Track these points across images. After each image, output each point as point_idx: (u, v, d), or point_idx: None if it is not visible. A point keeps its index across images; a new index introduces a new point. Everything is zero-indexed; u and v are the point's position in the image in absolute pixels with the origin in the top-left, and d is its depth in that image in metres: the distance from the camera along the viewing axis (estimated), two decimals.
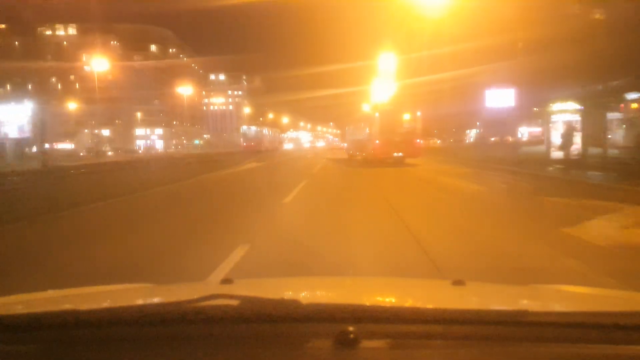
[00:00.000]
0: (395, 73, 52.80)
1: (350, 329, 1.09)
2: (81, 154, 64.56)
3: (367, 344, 1.09)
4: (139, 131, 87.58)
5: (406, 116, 25.14)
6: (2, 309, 1.39)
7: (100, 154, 61.53)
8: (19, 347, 1.17)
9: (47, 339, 1.19)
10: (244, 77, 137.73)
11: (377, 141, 24.36)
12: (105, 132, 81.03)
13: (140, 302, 1.60)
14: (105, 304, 1.49)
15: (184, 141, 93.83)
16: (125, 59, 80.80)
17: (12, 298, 1.64)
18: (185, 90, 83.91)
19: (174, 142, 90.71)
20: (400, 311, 1.26)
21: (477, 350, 1.12)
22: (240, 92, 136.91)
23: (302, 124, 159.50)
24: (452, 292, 1.67)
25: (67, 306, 1.42)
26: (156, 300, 1.68)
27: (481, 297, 1.73)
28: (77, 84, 79.94)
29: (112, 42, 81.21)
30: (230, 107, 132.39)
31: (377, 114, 26.61)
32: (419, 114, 25.50)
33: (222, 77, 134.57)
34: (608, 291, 1.91)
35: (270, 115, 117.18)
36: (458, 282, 1.66)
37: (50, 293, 1.73)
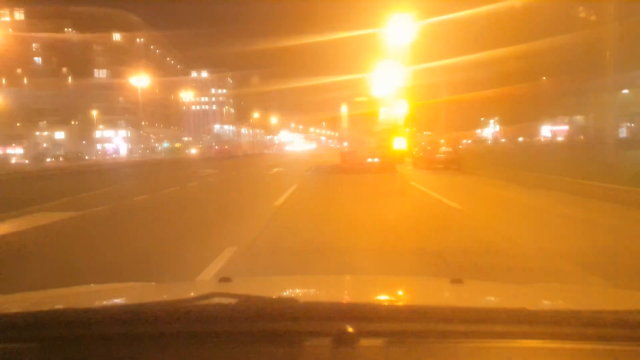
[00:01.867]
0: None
1: (349, 327, 1.09)
2: (27, 160, 54.24)
3: (365, 342, 1.09)
4: (104, 133, 75.63)
5: (383, 111, 19.39)
6: (0, 307, 1.39)
7: (39, 160, 50.65)
8: (17, 346, 1.17)
9: (45, 337, 1.18)
10: (229, 75, 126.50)
11: (345, 144, 20.23)
12: (60, 135, 69.14)
13: (138, 300, 1.56)
14: (104, 303, 1.48)
15: (156, 145, 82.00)
16: (82, 49, 69.02)
17: (10, 297, 1.64)
18: (156, 86, 72.34)
19: (142, 146, 78.86)
20: (399, 309, 1.29)
21: (475, 347, 1.12)
22: (224, 91, 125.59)
23: (293, 125, 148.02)
24: (450, 290, 1.68)
25: (65, 305, 1.42)
26: (154, 298, 1.62)
27: (479, 295, 1.71)
28: (24, 79, 67.92)
29: (65, 28, 69.21)
30: (214, 106, 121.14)
31: (343, 110, 21.06)
32: (403, 105, 20.48)
33: (204, 74, 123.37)
34: (607, 289, 1.89)
35: (256, 115, 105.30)
36: (456, 281, 1.65)
37: (48, 292, 1.76)
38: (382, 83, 24.63)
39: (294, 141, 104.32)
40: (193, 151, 66.56)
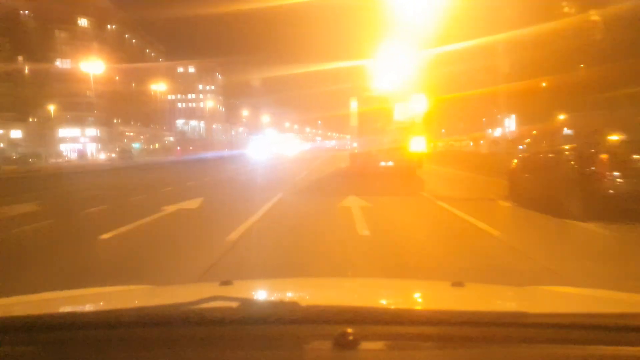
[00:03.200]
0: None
1: (350, 330, 1.09)
2: None
3: (366, 345, 1.09)
4: (71, 132, 66.84)
5: (399, 107, 15.93)
6: (1, 310, 1.38)
7: None
8: (18, 349, 1.17)
9: (46, 340, 1.18)
10: (219, 70, 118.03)
11: (355, 145, 17.08)
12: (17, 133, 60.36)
13: (139, 303, 1.54)
14: (105, 306, 1.47)
15: (132, 145, 73.21)
16: (41, 36, 60.27)
17: (11, 299, 1.64)
18: (131, 79, 63.70)
19: (117, 147, 70.10)
20: (400, 313, 1.27)
21: (476, 351, 1.12)
22: (212, 87, 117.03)
23: (287, 124, 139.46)
24: (451, 293, 1.67)
25: (66, 308, 1.44)
26: (155, 301, 1.60)
27: (480, 298, 1.72)
28: None
29: (21, 11, 60.41)
30: (201, 104, 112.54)
31: (352, 106, 17.46)
32: (422, 100, 15.96)
33: (191, 69, 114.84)
34: (607, 292, 1.76)
35: (245, 113, 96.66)
36: (457, 284, 1.66)
37: (49, 294, 1.73)
38: (393, 73, 19.68)
39: (284, 141, 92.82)
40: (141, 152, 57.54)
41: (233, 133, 44.32)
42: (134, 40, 79.21)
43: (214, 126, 41.96)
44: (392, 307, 1.51)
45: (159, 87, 79.38)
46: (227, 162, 32.52)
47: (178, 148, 37.78)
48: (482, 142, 47.27)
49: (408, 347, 1.12)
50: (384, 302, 1.67)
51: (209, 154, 36.02)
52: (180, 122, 39.47)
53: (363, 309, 1.29)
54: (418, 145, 15.71)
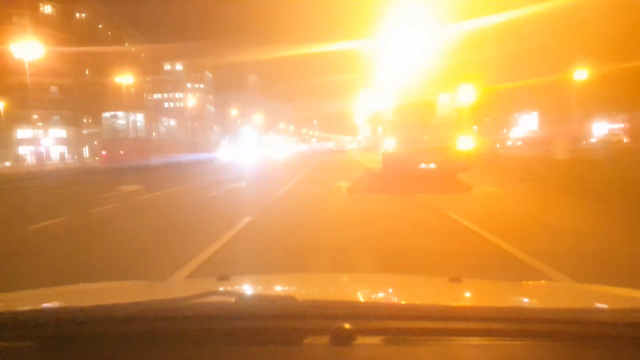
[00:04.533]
0: None
1: (346, 325, 1.09)
2: None
3: (363, 340, 1.09)
4: (31, 133, 58.79)
5: (443, 98, 13.27)
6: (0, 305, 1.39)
7: None
8: (16, 344, 1.17)
9: (44, 335, 1.18)
10: (208, 69, 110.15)
11: (389, 145, 13.48)
12: None
13: (137, 298, 1.51)
14: (102, 301, 1.40)
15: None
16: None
17: (9, 295, 1.63)
18: (104, 73, 55.97)
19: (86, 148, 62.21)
20: (397, 307, 1.28)
21: (473, 346, 1.12)
22: (202, 85, 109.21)
23: (282, 125, 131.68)
24: (448, 288, 1.67)
25: (64, 303, 1.44)
26: (153, 297, 1.59)
27: (477, 293, 1.72)
28: None
29: None
30: (188, 103, 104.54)
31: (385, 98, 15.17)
32: (470, 91, 13.19)
33: (179, 66, 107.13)
34: (605, 288, 1.69)
35: (234, 112, 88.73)
36: (454, 279, 1.65)
37: (45, 290, 1.74)
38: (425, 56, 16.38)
39: (268, 142, 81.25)
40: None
41: (171, 125, 32.12)
42: (109, 32, 71.22)
43: (165, 122, 31.48)
44: (389, 302, 1.50)
45: (143, 85, 71.36)
46: (184, 170, 24.43)
47: (103, 152, 27.77)
48: (519, 143, 39.66)
49: (405, 342, 1.12)
50: (381, 297, 1.65)
51: (158, 159, 27.35)
52: (107, 115, 26.52)
53: (360, 303, 1.35)
54: (466, 143, 12.86)
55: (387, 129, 14.63)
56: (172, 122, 33.70)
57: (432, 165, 12.89)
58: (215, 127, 48.54)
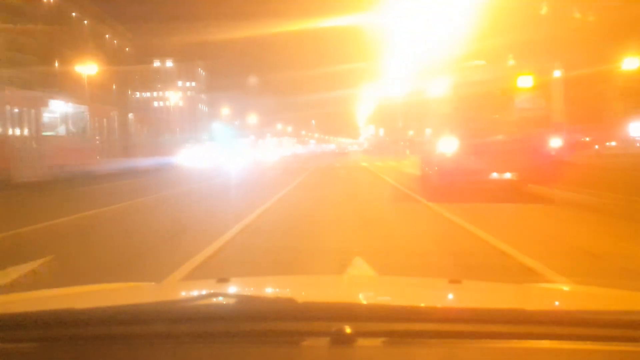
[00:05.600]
0: None
1: (347, 327, 1.08)
2: None
3: (363, 342, 1.09)
4: None
5: (525, 81, 9.93)
6: (0, 307, 1.39)
7: None
8: (17, 345, 1.17)
9: (45, 337, 1.19)
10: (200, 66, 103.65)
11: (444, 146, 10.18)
12: None
13: (137, 300, 1.53)
14: (103, 303, 1.44)
15: None
16: None
17: (10, 296, 1.67)
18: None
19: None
20: (397, 309, 1.27)
21: (473, 348, 1.12)
22: (194, 84, 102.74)
23: (279, 126, 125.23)
24: (448, 290, 1.67)
25: (65, 304, 1.41)
26: (153, 299, 1.60)
27: (477, 295, 1.68)
28: None
29: None
30: (181, 102, 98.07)
31: (441, 83, 11.09)
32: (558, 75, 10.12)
33: (169, 64, 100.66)
34: (605, 290, 1.72)
35: (226, 111, 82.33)
36: (454, 281, 1.66)
37: (46, 292, 1.74)
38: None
39: (249, 145, 69.31)
40: None
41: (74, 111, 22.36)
42: (85, 21, 64.70)
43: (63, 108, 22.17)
44: (390, 303, 1.47)
45: (127, 82, 64.93)
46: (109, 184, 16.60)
47: None
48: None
49: (405, 344, 1.12)
50: (381, 299, 1.62)
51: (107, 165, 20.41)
52: None
53: (360, 305, 1.33)
54: (555, 147, 9.70)
55: (440, 123, 11.02)
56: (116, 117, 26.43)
57: (508, 175, 10.00)
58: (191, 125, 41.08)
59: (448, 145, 10.14)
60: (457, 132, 10.12)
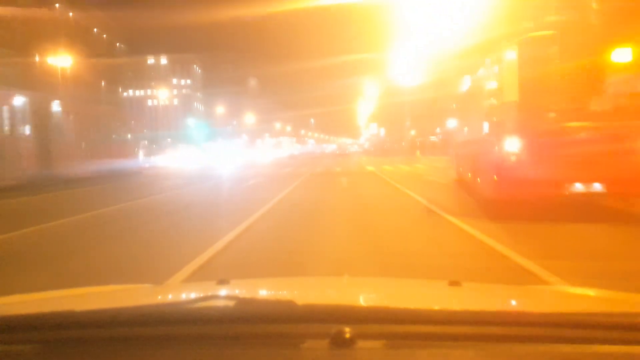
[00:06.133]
0: None
1: (346, 329, 1.09)
2: None
3: (363, 344, 1.10)
4: None
5: (623, 54, 7.28)
6: (0, 309, 1.39)
7: None
8: (17, 347, 1.18)
9: (45, 339, 1.19)
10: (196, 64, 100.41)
11: (513, 148, 7.53)
12: None
13: (137, 302, 1.54)
14: (103, 305, 1.45)
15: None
16: None
17: (11, 298, 1.64)
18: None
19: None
20: (397, 311, 1.27)
21: (473, 350, 1.12)
22: (188, 82, 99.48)
23: (278, 125, 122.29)
24: (448, 292, 1.67)
25: (65, 306, 1.42)
26: (153, 301, 1.62)
27: (477, 297, 1.71)
28: None
29: None
30: (175, 101, 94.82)
31: (510, 54, 8.01)
32: None
33: (163, 61, 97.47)
34: (606, 292, 1.70)
35: (220, 110, 79.13)
36: (454, 283, 1.65)
37: (48, 293, 1.73)
38: None
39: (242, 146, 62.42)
40: None
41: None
42: (71, 13, 61.30)
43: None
44: (389, 305, 1.45)
45: (115, 81, 61.29)
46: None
47: None
48: None
49: (405, 346, 1.12)
50: (381, 301, 1.64)
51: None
52: None
53: (360, 307, 1.34)
54: None
55: (496, 117, 8.59)
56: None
57: (598, 187, 7.35)
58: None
59: (512, 146, 7.62)
60: (525, 129, 7.62)
